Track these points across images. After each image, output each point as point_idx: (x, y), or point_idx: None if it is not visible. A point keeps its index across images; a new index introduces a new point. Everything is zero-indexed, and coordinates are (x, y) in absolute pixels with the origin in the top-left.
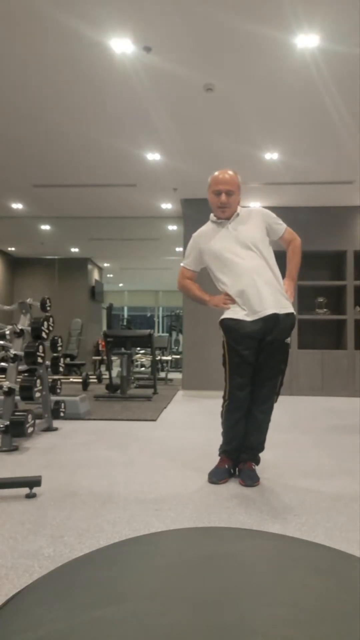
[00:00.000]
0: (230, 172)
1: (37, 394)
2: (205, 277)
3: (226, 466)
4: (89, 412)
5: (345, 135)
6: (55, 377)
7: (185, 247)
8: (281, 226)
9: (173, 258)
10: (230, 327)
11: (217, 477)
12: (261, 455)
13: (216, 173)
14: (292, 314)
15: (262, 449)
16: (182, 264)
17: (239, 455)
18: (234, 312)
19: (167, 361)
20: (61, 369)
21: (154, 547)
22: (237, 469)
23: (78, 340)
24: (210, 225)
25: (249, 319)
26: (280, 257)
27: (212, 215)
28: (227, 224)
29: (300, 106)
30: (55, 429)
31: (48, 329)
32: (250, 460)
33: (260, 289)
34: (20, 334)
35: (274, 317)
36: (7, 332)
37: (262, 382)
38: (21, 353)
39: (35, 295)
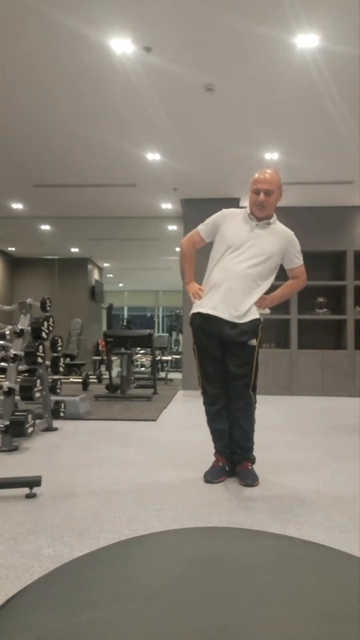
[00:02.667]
0: (269, 171)
1: (37, 394)
2: (200, 273)
3: (221, 464)
4: (89, 412)
5: (345, 135)
6: (55, 377)
7: None
8: (298, 261)
9: (173, 258)
10: (193, 322)
11: (212, 476)
12: (261, 455)
13: (256, 174)
14: (256, 319)
15: (251, 447)
16: (197, 227)
17: (233, 454)
18: (197, 307)
19: (167, 361)
20: (61, 369)
21: (154, 547)
22: (235, 471)
23: (78, 340)
24: (243, 216)
25: (206, 312)
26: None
27: (248, 208)
28: (256, 227)
29: (300, 106)
30: (55, 429)
31: (48, 329)
32: (246, 460)
33: (233, 292)
34: (20, 334)
35: (223, 322)
36: (7, 332)
37: (232, 382)
38: (21, 353)
39: (35, 295)
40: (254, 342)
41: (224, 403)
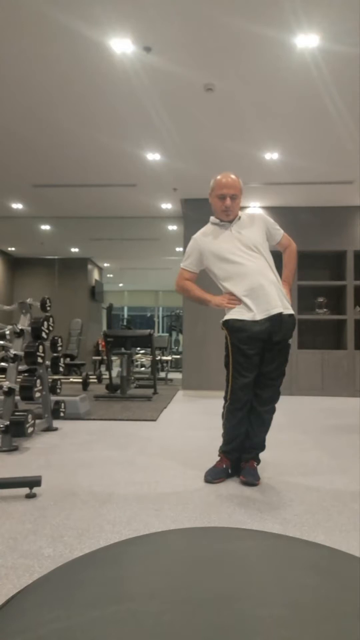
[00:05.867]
0: (233, 176)
1: (37, 394)
2: (205, 278)
3: (224, 466)
4: (89, 412)
5: (345, 135)
6: (55, 377)
7: (185, 247)
8: (279, 232)
9: (173, 258)
10: (237, 328)
11: (212, 476)
12: (262, 455)
13: (219, 177)
14: (293, 314)
15: (264, 448)
16: (181, 266)
17: (239, 455)
18: (239, 313)
19: (167, 361)
20: (61, 369)
21: (154, 547)
22: (239, 467)
23: (78, 340)
24: (211, 227)
25: (257, 318)
26: (275, 259)
27: (212, 217)
28: (230, 226)
29: (300, 106)
30: (55, 429)
31: (48, 329)
32: (253, 459)
33: (266, 288)
34: (20, 334)
35: (280, 316)
36: (7, 332)
37: (267, 383)
38: (21, 353)
39: (35, 295)
40: (290, 340)
41: (248, 408)
